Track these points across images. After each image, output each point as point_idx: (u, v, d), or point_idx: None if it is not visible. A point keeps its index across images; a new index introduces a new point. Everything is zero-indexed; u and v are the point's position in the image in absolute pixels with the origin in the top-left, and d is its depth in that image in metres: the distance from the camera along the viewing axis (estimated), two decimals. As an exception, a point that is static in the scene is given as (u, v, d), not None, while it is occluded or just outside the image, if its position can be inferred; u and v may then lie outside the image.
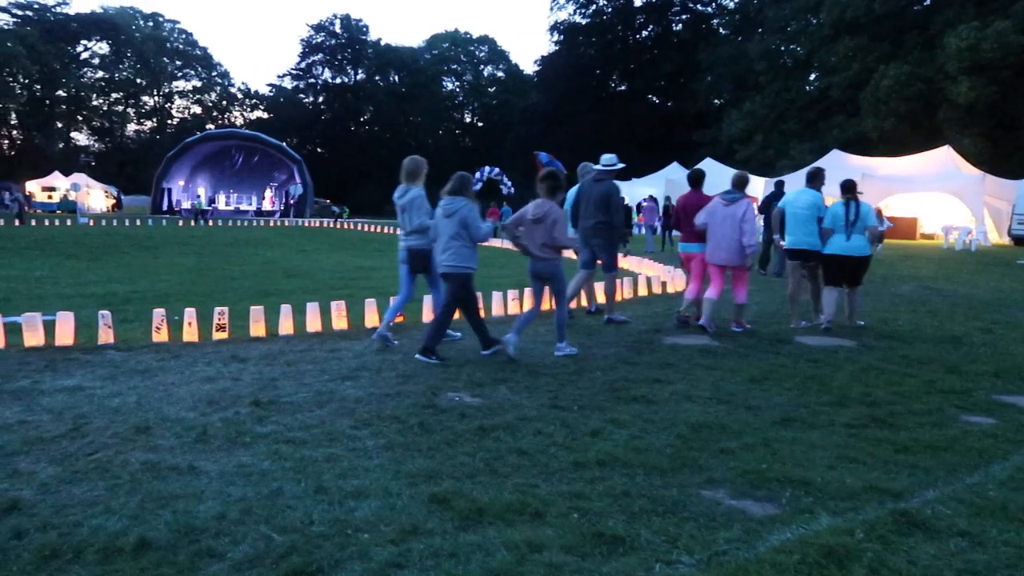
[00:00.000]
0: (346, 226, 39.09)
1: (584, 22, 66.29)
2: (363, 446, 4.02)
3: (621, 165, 8.53)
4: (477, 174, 36.56)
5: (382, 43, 79.69)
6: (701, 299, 7.89)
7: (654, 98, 67.68)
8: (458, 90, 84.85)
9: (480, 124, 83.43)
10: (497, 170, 34.81)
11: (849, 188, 7.92)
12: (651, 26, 66.21)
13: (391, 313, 7.03)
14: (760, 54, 49.72)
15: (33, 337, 6.55)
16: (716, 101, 57.64)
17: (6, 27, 63.47)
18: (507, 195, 34.26)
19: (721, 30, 61.79)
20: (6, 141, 68.29)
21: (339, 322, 7.66)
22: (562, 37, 66.91)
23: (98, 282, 11.62)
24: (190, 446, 3.99)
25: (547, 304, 7.18)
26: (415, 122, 78.43)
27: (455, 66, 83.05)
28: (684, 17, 65.77)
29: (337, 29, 77.29)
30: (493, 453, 3.93)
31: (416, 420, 4.48)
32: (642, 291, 11.14)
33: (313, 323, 7.54)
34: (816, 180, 8.25)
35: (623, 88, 68.22)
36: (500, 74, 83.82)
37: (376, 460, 3.80)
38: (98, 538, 2.89)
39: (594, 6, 65.17)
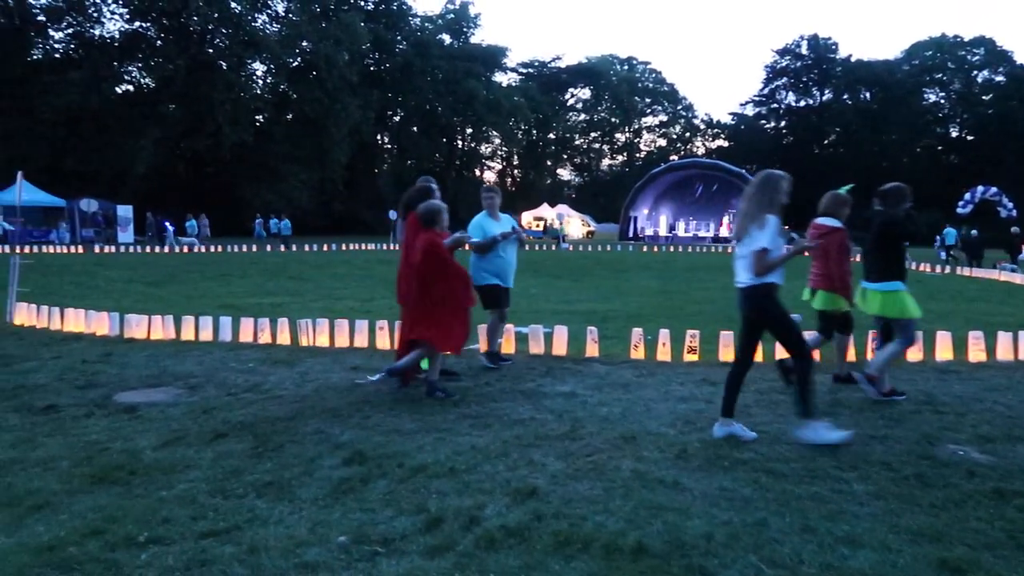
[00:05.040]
0: (805, 252, 37.46)
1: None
2: (850, 489, 3.73)
3: None
4: (967, 195, 31.90)
5: (852, 59, 74.96)
6: None
7: None
8: (943, 101, 75.17)
9: (969, 138, 72.60)
10: (994, 190, 29.80)
11: None
12: None
13: None
14: None
15: (536, 346, 7.62)
16: None
17: (514, 84, 76.00)
18: (1006, 218, 29.07)
19: None
20: (509, 178, 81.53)
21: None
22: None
23: (580, 300, 13.02)
24: (672, 461, 4.17)
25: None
26: (887, 140, 71.72)
27: (939, 75, 73.70)
28: None
29: (803, 51, 75.07)
30: (1017, 525, 3.30)
31: (911, 470, 4.01)
32: None
33: (781, 352, 7.31)
34: None
35: None
36: (999, 79, 71.90)
37: (867, 508, 3.49)
38: (601, 534, 3.17)
39: None
